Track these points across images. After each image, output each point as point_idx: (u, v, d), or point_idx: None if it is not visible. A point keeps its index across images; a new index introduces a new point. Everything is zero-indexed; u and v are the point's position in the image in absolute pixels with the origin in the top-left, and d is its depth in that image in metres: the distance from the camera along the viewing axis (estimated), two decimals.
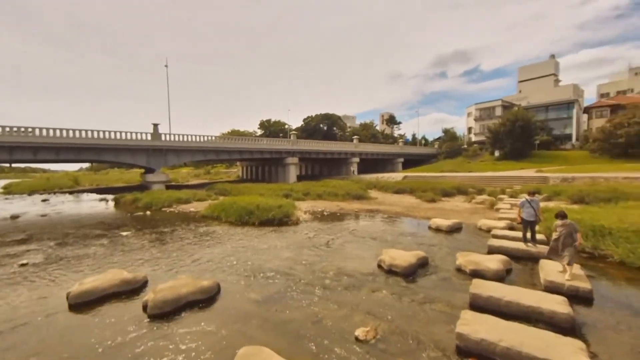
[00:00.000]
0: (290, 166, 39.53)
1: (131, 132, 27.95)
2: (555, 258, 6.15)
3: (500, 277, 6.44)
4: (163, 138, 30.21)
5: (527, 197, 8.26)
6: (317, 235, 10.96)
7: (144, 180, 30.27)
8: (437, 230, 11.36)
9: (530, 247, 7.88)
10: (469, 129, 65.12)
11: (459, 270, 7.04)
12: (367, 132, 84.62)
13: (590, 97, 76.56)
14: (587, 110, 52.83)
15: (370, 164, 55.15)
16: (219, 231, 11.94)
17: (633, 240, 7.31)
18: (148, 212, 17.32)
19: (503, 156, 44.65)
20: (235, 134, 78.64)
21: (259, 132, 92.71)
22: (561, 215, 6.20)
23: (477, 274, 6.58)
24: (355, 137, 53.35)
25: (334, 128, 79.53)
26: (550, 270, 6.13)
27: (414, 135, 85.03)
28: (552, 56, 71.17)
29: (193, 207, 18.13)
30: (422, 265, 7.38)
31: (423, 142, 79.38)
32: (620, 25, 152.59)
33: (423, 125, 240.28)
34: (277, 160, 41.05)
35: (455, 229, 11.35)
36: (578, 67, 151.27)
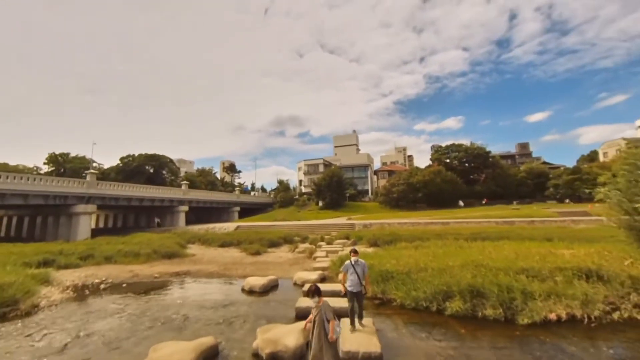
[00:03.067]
0: (81, 217, 28.77)
1: None
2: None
3: (301, 355, 5.22)
4: None
5: (352, 259, 5.84)
6: (55, 332, 6.65)
7: None
8: (250, 292, 9.68)
9: (357, 330, 5.63)
10: (300, 182, 73.24)
11: (256, 356, 5.35)
12: (204, 179, 78.65)
13: (377, 164, 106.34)
14: (375, 172, 72.06)
15: (205, 212, 49.88)
16: None
17: (407, 282, 8.25)
18: None
19: (325, 206, 51.78)
20: None
21: (46, 168, 66.87)
22: (312, 291, 4.43)
23: (275, 358, 5.10)
24: (185, 182, 47.43)
25: (164, 172, 68.86)
26: (347, 335, 5.49)
27: (253, 185, 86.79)
28: (354, 131, 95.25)
29: None
30: (208, 359, 5.20)
31: (260, 191, 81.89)
32: (390, 120, 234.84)
33: (266, 176, 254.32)
34: (60, 208, 29.12)
35: (270, 288, 10.06)
36: (369, 143, 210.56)
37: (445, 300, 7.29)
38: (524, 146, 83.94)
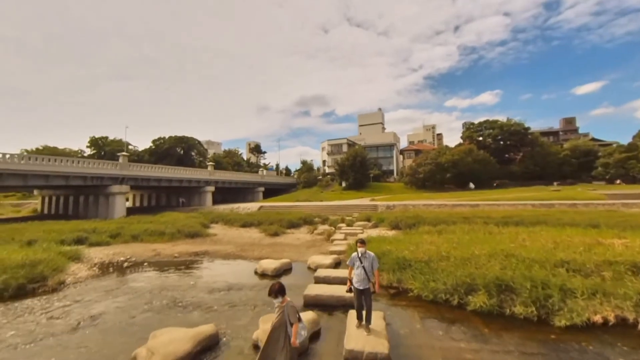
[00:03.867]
0: (117, 196, 30.69)
1: None
2: None
3: (303, 349, 4.89)
4: None
5: (359, 251, 5.13)
6: (73, 310, 6.90)
7: None
8: (263, 275, 9.55)
9: (363, 328, 4.98)
10: (324, 162, 72.66)
11: (256, 347, 5.10)
12: (230, 160, 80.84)
13: (403, 143, 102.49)
14: (401, 152, 69.39)
15: (231, 193, 51.40)
16: None
17: (425, 272, 7.58)
18: None
19: (348, 186, 51.11)
20: (49, 152, 57.35)
21: (89, 151, 72.11)
22: (274, 290, 3.91)
23: None
24: (210, 163, 48.77)
25: (193, 153, 71.40)
26: (352, 331, 5.04)
27: (277, 165, 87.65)
28: (380, 109, 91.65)
29: None
30: (206, 349, 5.03)
31: (284, 172, 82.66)
32: (419, 97, 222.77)
33: (291, 157, 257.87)
34: (98, 188, 31.23)
35: (283, 272, 9.87)
36: (396, 121, 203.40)
37: (468, 293, 6.56)
38: (569, 121, 76.03)
